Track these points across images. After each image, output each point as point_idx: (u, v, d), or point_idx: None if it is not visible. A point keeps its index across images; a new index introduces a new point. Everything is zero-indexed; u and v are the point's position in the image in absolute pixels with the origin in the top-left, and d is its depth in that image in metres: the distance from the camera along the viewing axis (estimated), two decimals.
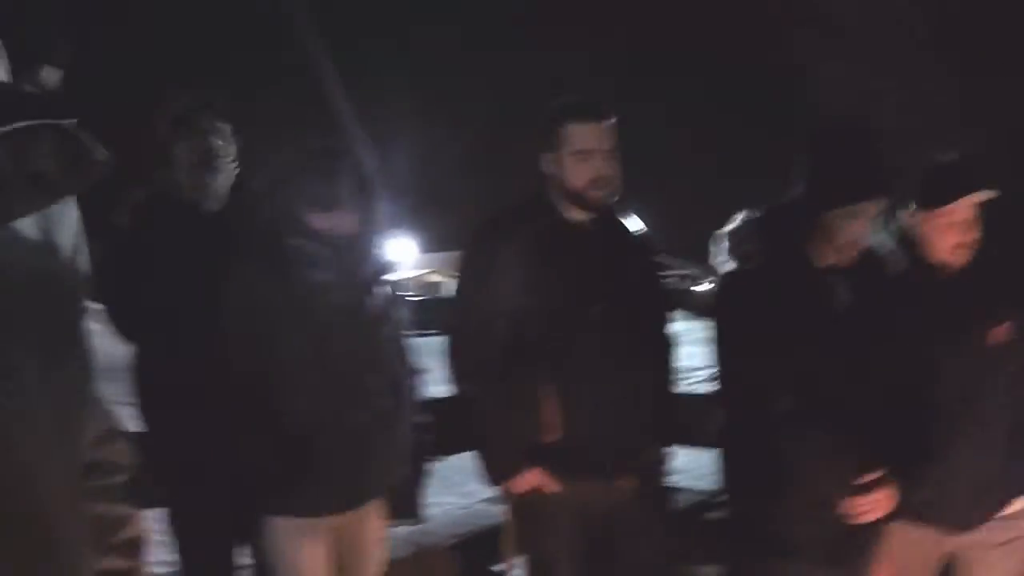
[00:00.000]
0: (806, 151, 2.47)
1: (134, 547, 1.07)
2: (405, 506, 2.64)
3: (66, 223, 0.81)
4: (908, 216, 2.58)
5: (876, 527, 2.43)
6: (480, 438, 2.61)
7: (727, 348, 2.48)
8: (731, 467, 2.55)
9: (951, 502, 2.50)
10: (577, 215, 2.59)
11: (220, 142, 2.67)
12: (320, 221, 2.41)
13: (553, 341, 2.48)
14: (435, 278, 47.97)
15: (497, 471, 2.58)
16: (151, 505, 2.89)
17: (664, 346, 2.73)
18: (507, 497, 2.63)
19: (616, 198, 2.62)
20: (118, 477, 1.01)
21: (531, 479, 2.51)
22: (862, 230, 2.40)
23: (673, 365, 2.76)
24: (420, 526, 4.65)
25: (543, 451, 2.49)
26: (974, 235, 2.54)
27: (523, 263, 2.49)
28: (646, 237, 2.75)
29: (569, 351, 2.48)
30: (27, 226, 0.72)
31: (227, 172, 2.67)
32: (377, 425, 2.44)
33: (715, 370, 2.53)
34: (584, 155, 2.52)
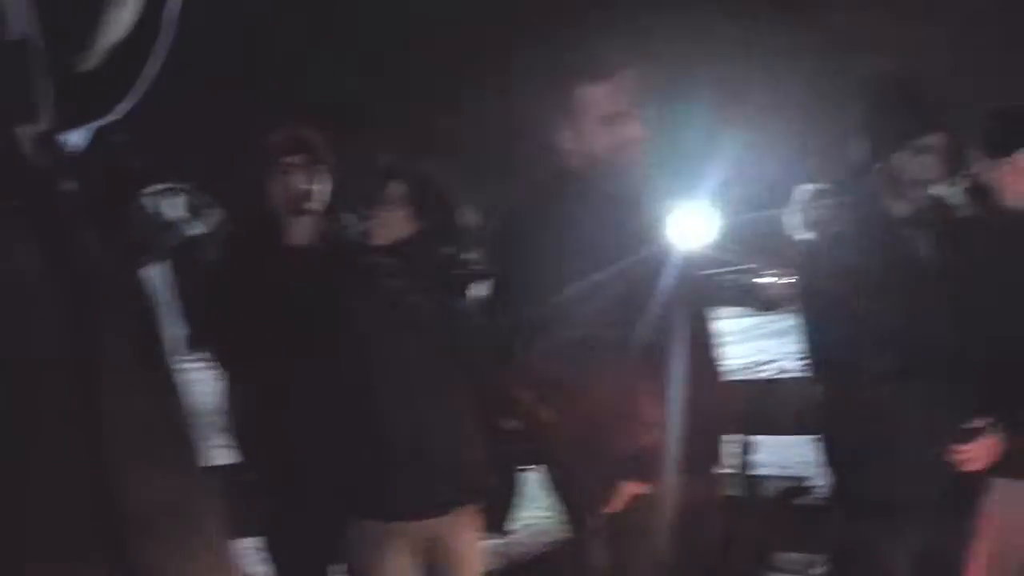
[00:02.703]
0: (859, 110, 2.49)
1: None
2: (497, 518, 2.64)
3: None
4: (977, 166, 2.55)
5: (982, 481, 2.40)
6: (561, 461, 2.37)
7: (815, 319, 2.48)
8: (831, 440, 2.51)
9: None
10: (605, 185, 2.26)
11: (313, 185, 2.74)
12: (374, 225, 2.49)
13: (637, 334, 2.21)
14: None
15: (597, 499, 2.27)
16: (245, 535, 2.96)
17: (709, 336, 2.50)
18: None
19: (645, 160, 2.32)
20: None
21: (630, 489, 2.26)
22: (931, 167, 2.39)
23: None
24: (511, 536, 4.69)
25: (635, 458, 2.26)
26: None
27: (569, 251, 2.18)
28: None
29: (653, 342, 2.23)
30: None
31: (319, 207, 2.74)
32: (460, 430, 2.46)
33: (806, 344, 2.51)
34: (606, 121, 2.23)
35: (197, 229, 0.92)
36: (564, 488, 2.40)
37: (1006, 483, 2.43)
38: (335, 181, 2.81)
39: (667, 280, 2.25)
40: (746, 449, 4.22)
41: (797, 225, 2.50)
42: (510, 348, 2.29)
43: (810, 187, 2.51)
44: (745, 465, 4.23)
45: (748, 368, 12.65)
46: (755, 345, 12.47)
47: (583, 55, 2.35)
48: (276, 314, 2.52)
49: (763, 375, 10.71)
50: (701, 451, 2.33)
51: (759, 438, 4.52)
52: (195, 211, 0.92)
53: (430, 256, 2.51)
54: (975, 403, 2.35)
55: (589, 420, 2.18)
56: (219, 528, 0.90)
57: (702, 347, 2.37)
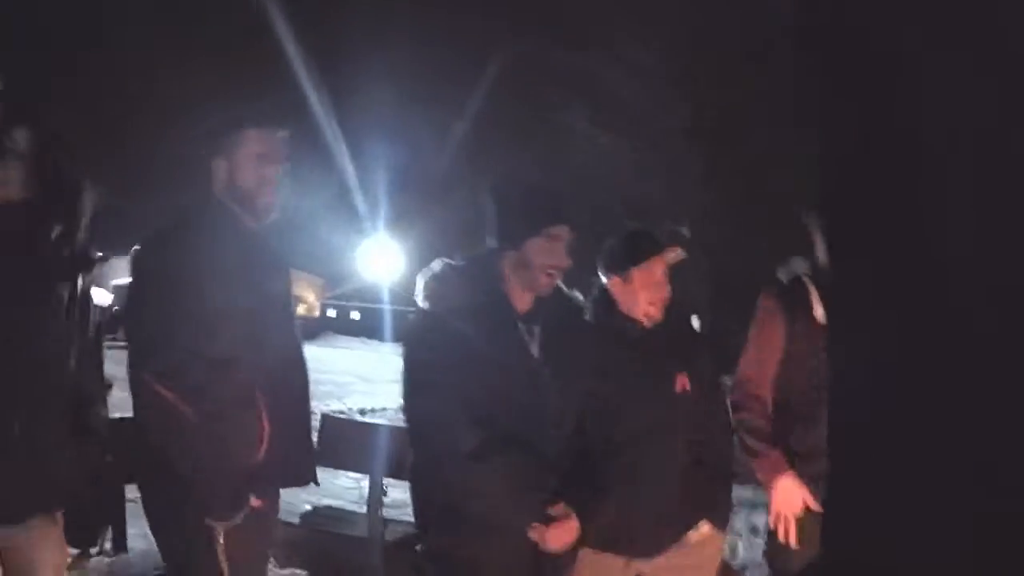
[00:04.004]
0: (491, 203, 2.64)
1: None
2: (84, 532, 2.46)
3: None
4: (608, 281, 2.88)
5: (567, 555, 2.56)
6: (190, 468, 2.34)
7: (415, 386, 2.55)
8: (421, 502, 2.62)
9: (636, 530, 2.75)
10: (249, 221, 2.57)
11: None
12: None
13: (253, 354, 2.45)
14: None
15: (223, 503, 2.38)
16: None
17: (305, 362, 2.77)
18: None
19: (278, 209, 2.63)
20: None
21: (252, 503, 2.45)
22: (558, 255, 2.55)
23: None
24: (120, 557, 4.42)
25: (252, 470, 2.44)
26: (666, 292, 2.85)
27: (210, 271, 2.41)
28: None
29: (270, 361, 2.49)
30: None
31: None
32: (35, 434, 2.27)
33: (403, 406, 2.60)
34: (261, 159, 2.54)
35: None
36: (183, 496, 2.36)
37: (592, 553, 2.65)
38: None
39: (282, 310, 2.64)
40: (376, 490, 4.27)
41: (420, 294, 2.60)
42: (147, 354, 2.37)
43: (443, 262, 2.62)
44: (374, 506, 4.27)
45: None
46: None
47: (256, 106, 2.68)
48: None
49: None
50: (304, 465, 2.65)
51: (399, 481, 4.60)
52: None
53: (42, 231, 2.29)
54: (554, 489, 2.50)
55: (222, 428, 2.34)
56: None
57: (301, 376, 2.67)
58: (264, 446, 2.41)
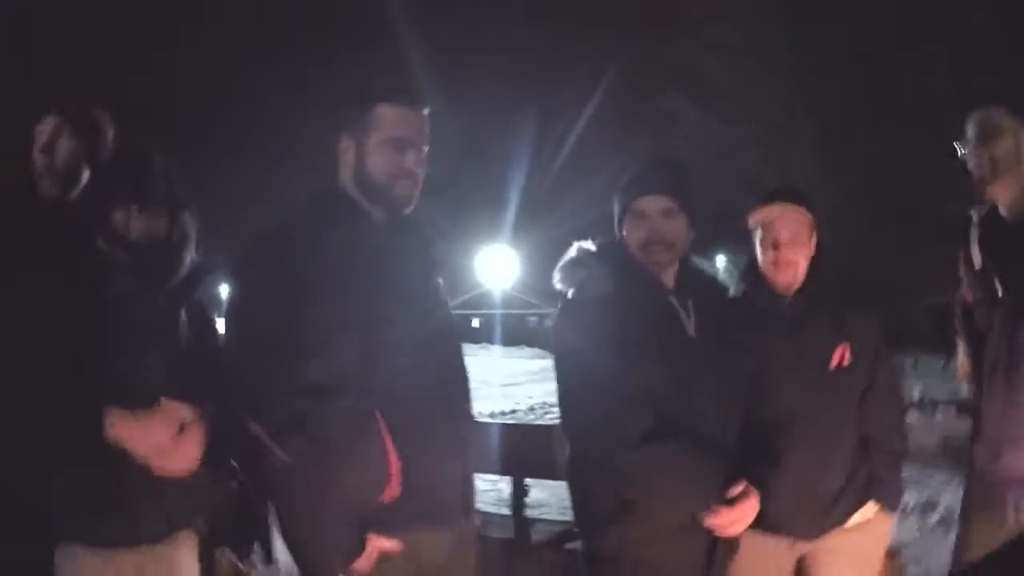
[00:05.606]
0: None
1: None
2: (240, 552, 2.44)
3: None
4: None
5: (730, 540, 2.43)
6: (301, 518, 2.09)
7: (574, 378, 2.43)
8: (585, 500, 2.47)
9: (799, 513, 2.60)
10: (377, 214, 2.24)
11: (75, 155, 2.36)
12: (128, 222, 2.23)
13: (384, 370, 2.11)
14: None
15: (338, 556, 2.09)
16: None
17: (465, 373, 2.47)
18: None
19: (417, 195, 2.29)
20: None
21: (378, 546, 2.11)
22: (646, 231, 2.41)
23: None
24: (268, 568, 4.45)
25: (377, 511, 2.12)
26: (792, 255, 2.64)
27: (338, 277, 2.10)
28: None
29: (399, 380, 2.13)
30: None
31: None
32: None
33: (560, 398, 2.48)
34: (396, 144, 2.20)
35: None
36: (301, 542, 2.13)
37: (752, 537, 2.50)
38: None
39: (429, 325, 2.26)
40: (520, 491, 4.22)
41: (562, 281, 2.48)
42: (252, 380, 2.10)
43: (580, 246, 2.51)
44: (519, 507, 4.22)
45: (538, 409, 12.89)
46: (550, 387, 12.56)
47: (389, 80, 2.33)
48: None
49: (551, 417, 10.91)
50: (452, 501, 2.27)
51: (538, 481, 4.54)
52: None
53: (168, 262, 2.30)
54: (729, 468, 2.38)
55: (330, 468, 2.04)
56: None
57: (455, 392, 2.35)
58: (394, 485, 2.10)
